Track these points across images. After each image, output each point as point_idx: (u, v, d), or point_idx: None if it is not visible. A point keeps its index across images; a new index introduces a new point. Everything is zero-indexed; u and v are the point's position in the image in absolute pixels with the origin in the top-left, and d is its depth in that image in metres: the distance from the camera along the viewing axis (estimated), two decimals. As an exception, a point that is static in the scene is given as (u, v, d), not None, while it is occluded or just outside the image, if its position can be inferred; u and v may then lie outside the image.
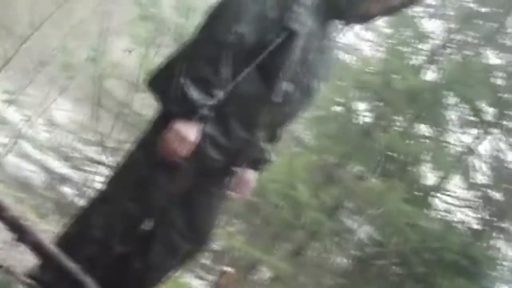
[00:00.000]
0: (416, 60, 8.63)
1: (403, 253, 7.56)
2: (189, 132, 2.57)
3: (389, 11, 2.86)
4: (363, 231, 8.22)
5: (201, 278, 8.10)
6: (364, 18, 2.90)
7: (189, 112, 2.56)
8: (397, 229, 7.57)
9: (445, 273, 7.33)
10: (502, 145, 8.52)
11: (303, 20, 2.67)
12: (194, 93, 2.54)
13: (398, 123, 8.56)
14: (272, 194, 7.95)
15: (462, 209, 8.55)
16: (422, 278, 7.49)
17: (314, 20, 2.73)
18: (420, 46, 8.73)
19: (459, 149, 8.60)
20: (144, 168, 2.71)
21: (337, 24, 2.90)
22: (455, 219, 8.45)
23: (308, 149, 8.61)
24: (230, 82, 2.62)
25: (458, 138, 8.68)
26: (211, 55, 2.58)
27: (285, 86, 2.71)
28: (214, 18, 2.65)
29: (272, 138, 2.98)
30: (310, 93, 2.89)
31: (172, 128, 2.58)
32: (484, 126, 8.36)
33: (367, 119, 8.60)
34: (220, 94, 2.60)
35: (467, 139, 8.66)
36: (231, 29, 2.58)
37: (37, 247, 2.62)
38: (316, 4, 2.72)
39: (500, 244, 8.29)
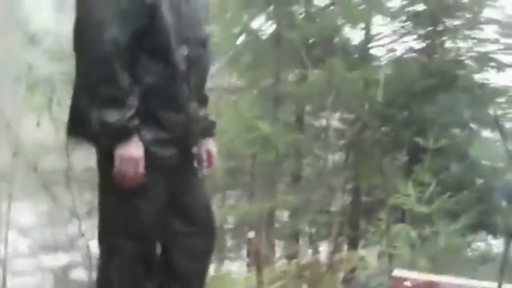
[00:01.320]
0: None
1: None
2: (131, 150, 2.52)
3: None
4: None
5: (232, 259, 8.19)
6: None
7: (118, 135, 2.50)
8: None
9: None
10: None
11: None
12: (111, 116, 2.47)
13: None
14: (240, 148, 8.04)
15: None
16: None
17: None
18: None
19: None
20: (119, 206, 2.68)
21: None
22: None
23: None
24: (134, 82, 2.55)
25: None
26: (100, 73, 2.48)
27: (181, 51, 2.67)
28: (81, 41, 2.57)
29: (202, 100, 2.95)
30: (203, 41, 2.85)
31: (116, 158, 2.53)
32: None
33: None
34: (133, 100, 2.54)
35: None
36: (102, 41, 2.48)
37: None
38: None
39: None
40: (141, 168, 2.57)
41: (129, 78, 2.53)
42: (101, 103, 2.48)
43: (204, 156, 2.98)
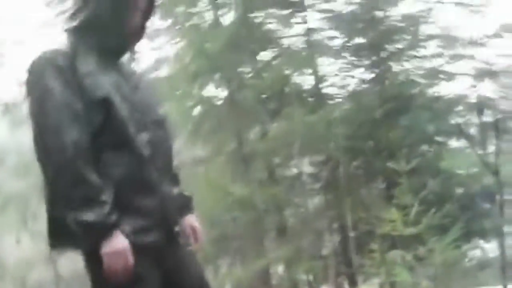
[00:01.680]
0: None
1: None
2: (116, 245, 2.48)
3: (147, 14, 2.89)
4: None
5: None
6: (136, 36, 2.91)
7: (99, 233, 2.47)
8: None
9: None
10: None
11: (100, 81, 2.59)
12: (88, 216, 2.44)
13: None
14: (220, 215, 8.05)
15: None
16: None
17: (107, 71, 2.69)
18: None
19: None
20: None
21: (125, 54, 2.90)
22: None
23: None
24: (102, 178, 2.51)
25: None
26: (68, 178, 2.47)
27: (141, 138, 2.71)
28: (42, 150, 2.54)
29: (173, 180, 2.97)
30: (161, 123, 2.89)
31: (103, 256, 2.48)
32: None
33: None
34: (107, 195, 2.50)
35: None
36: (63, 145, 2.48)
37: None
38: (96, 61, 2.71)
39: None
40: (130, 260, 2.54)
41: (97, 175, 2.52)
42: (76, 206, 2.47)
43: (189, 232, 2.98)
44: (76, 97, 2.54)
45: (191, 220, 2.98)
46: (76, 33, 2.69)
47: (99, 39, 2.68)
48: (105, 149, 2.59)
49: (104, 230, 2.49)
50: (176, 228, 2.80)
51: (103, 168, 2.57)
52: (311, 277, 8.18)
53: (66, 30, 2.73)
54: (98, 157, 2.57)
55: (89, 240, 2.50)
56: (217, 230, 8.54)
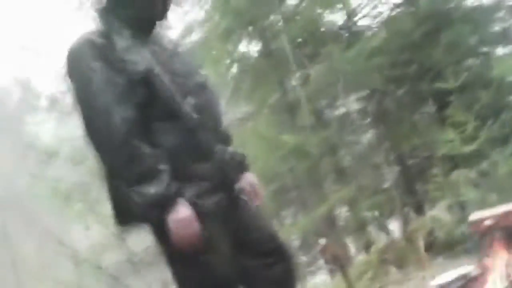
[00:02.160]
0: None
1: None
2: (180, 214, 2.50)
3: None
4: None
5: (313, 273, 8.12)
6: (165, 3, 2.87)
7: (163, 205, 2.49)
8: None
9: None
10: None
11: (139, 55, 2.61)
12: (150, 189, 2.46)
13: None
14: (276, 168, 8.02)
15: None
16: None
17: (143, 43, 2.68)
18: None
19: None
20: (192, 270, 2.63)
21: (158, 24, 2.87)
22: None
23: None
24: (158, 146, 2.55)
25: None
26: (124, 156, 2.49)
27: (187, 103, 2.69)
28: (95, 134, 2.56)
29: (225, 140, 2.95)
30: (204, 86, 2.86)
31: (170, 226, 2.50)
32: None
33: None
34: (163, 166, 2.52)
35: None
36: (114, 125, 2.49)
37: None
38: (131, 35, 2.66)
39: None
40: (196, 226, 2.53)
41: (151, 148, 2.53)
42: (137, 181, 2.48)
43: (248, 189, 2.96)
44: (119, 74, 2.54)
45: (249, 177, 2.96)
46: (107, 11, 2.70)
47: (130, 14, 2.68)
48: (154, 119, 2.59)
49: (167, 200, 2.49)
50: (236, 187, 2.79)
51: (155, 139, 2.57)
52: (376, 213, 8.10)
53: (96, 10, 2.74)
54: (149, 129, 2.57)
55: (154, 212, 2.50)
56: (276, 182, 8.53)
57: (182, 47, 3.00)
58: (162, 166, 2.52)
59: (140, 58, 2.60)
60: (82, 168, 10.14)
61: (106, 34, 2.63)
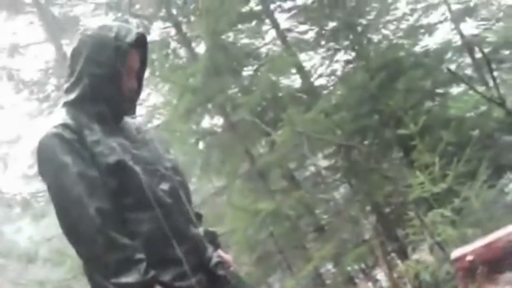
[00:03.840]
0: None
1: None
2: None
3: (142, 71, 2.94)
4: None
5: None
6: (133, 97, 2.90)
7: None
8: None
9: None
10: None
11: (109, 146, 2.67)
12: (128, 278, 2.50)
13: None
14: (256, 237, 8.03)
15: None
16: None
17: (113, 135, 2.73)
18: None
19: None
20: None
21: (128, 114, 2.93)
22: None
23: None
24: (134, 235, 2.61)
25: None
26: (101, 246, 2.52)
27: (160, 190, 2.73)
28: (71, 227, 2.58)
29: (197, 219, 2.99)
30: (176, 168, 2.92)
31: None
32: None
33: None
34: (140, 253, 2.57)
35: None
36: (89, 216, 2.53)
37: None
38: (100, 128, 2.70)
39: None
40: None
41: (126, 238, 2.56)
42: (114, 271, 2.51)
43: (226, 262, 3.00)
44: (90, 167, 2.59)
45: (220, 253, 3.00)
46: (76, 105, 2.74)
47: (99, 108, 2.73)
48: (129, 208, 2.64)
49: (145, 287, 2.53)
50: (213, 264, 2.83)
51: (130, 228, 2.62)
52: (362, 265, 8.11)
53: (64, 104, 2.78)
54: (123, 218, 2.61)
55: None
56: (258, 250, 8.53)
57: (150, 134, 3.01)
58: (139, 255, 2.56)
59: (110, 151, 2.65)
60: (63, 269, 10.01)
61: (75, 128, 2.66)
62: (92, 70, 2.72)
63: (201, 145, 9.70)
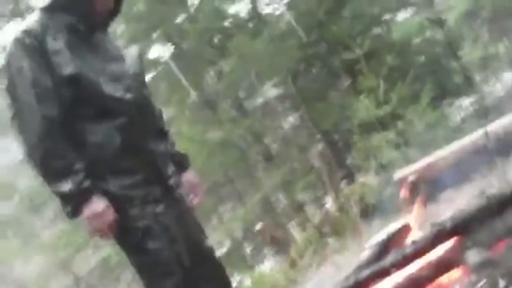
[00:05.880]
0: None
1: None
2: (93, 208, 2.62)
3: None
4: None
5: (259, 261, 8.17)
6: (111, 9, 2.88)
7: (77, 200, 2.61)
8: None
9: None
10: None
11: (68, 58, 2.68)
12: (64, 186, 2.59)
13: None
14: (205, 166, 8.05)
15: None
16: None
17: (78, 47, 2.73)
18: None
19: None
20: (142, 256, 2.79)
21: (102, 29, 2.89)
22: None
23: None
24: (83, 145, 2.68)
25: None
26: (42, 150, 2.62)
27: (123, 102, 2.74)
28: (19, 125, 2.68)
29: (161, 136, 2.98)
30: (136, 77, 2.88)
31: (85, 220, 2.65)
32: None
33: None
34: (80, 163, 2.63)
35: None
36: (36, 121, 2.61)
37: None
38: (66, 39, 2.71)
39: None
40: (109, 217, 2.65)
41: (70, 146, 2.64)
42: (53, 177, 2.62)
43: (188, 188, 3.01)
44: (45, 75, 2.64)
45: (189, 176, 3.04)
46: (48, 12, 2.75)
47: (69, 18, 2.73)
48: (85, 119, 2.69)
49: (80, 197, 2.61)
50: (171, 182, 2.83)
51: (82, 137, 2.68)
52: (311, 191, 8.22)
53: (40, 9, 2.79)
54: (79, 128, 2.68)
55: (71, 207, 2.64)
56: (208, 180, 8.55)
57: (130, 50, 3.08)
58: (78, 165, 2.62)
59: (68, 62, 2.66)
60: (11, 202, 9.93)
61: (39, 34, 2.69)
62: None
63: (148, 75, 9.56)
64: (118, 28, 8.88)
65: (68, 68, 2.66)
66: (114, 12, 2.92)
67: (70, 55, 2.69)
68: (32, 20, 2.76)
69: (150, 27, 8.72)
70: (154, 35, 9.21)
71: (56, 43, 2.69)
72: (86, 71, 2.69)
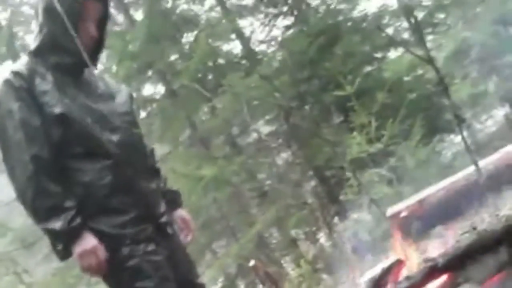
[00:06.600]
0: None
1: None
2: (83, 245, 2.65)
3: (103, 22, 2.94)
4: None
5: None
6: (95, 47, 2.95)
7: (67, 239, 2.64)
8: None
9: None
10: None
11: (56, 98, 2.74)
12: (55, 225, 2.62)
13: None
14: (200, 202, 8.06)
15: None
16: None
17: (66, 87, 2.79)
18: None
19: None
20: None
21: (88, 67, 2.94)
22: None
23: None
24: (72, 185, 2.71)
25: None
26: (31, 190, 2.65)
27: (109, 141, 2.79)
28: (8, 166, 2.72)
29: (152, 174, 3.02)
30: (135, 123, 2.95)
31: (76, 258, 2.67)
32: None
33: None
34: (70, 202, 2.67)
35: None
36: (25, 160, 2.65)
37: None
38: (53, 79, 2.77)
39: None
40: (101, 256, 2.67)
41: (60, 185, 2.67)
42: (43, 215, 2.64)
43: (181, 224, 3.06)
44: (34, 115, 2.69)
45: (181, 213, 3.09)
46: (35, 54, 2.83)
47: (55, 58, 2.80)
48: (75, 158, 2.74)
49: (71, 235, 2.65)
50: (163, 220, 2.87)
51: (72, 176, 2.73)
52: (305, 228, 8.24)
53: (28, 53, 2.89)
54: (69, 167, 2.73)
55: (62, 246, 2.68)
56: (202, 216, 8.57)
57: (120, 88, 3.08)
58: (69, 203, 2.66)
59: (56, 102, 2.72)
60: (5, 240, 9.88)
61: (27, 77, 2.75)
62: (50, 20, 2.78)
63: (142, 113, 9.65)
64: (113, 66, 8.98)
65: (56, 108, 2.72)
66: (99, 42, 2.96)
67: (58, 95, 2.74)
68: (20, 62, 2.84)
69: (144, 65, 8.81)
70: (149, 73, 9.29)
71: (45, 84, 2.75)
72: (74, 110, 2.74)
